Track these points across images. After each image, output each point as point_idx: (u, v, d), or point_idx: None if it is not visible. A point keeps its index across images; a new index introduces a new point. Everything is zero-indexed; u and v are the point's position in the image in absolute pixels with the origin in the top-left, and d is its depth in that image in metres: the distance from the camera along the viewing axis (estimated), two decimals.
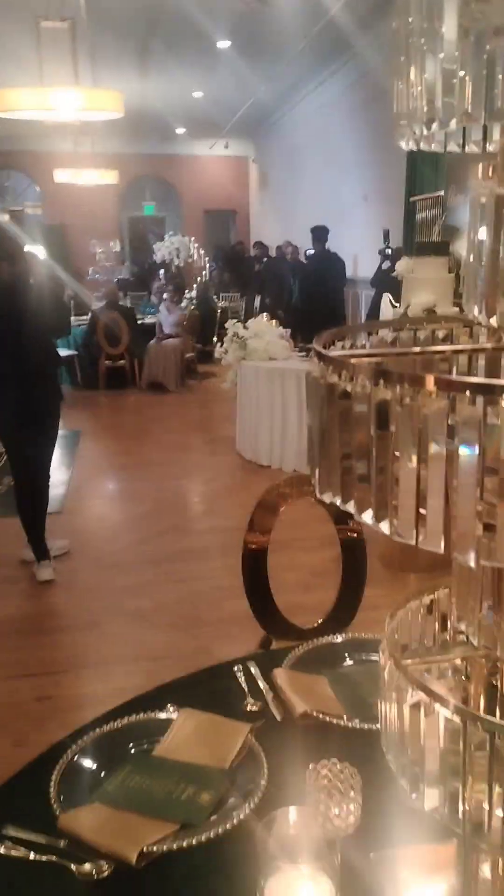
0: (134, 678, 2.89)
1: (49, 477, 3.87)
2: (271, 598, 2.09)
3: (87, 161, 12.02)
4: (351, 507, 0.71)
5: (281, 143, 13.67)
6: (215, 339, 9.60)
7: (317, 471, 0.78)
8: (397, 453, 0.64)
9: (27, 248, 3.89)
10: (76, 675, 2.92)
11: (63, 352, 9.01)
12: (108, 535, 4.42)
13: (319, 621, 2.05)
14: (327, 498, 0.75)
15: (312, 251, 8.18)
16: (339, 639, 1.51)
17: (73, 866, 0.98)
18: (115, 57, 9.13)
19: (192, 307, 9.63)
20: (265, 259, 10.50)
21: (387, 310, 4.95)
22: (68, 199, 14.81)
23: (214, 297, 11.63)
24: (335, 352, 0.79)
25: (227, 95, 11.43)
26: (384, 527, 0.67)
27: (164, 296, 9.30)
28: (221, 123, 13.62)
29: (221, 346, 6.15)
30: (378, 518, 0.67)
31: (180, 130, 14.63)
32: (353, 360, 0.72)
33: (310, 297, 7.88)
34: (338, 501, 0.73)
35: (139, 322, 9.16)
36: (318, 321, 7.66)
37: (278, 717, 1.28)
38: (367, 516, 0.69)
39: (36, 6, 5.90)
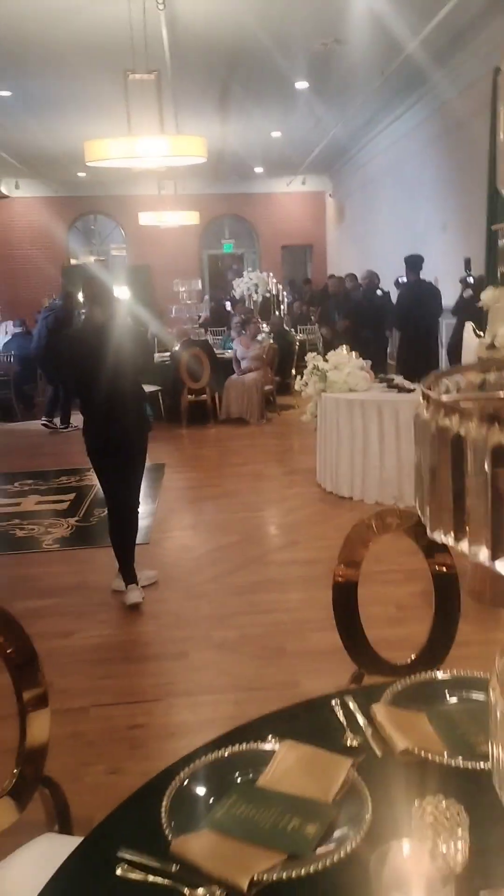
0: (223, 708, 2.93)
1: (139, 503, 4.06)
2: (362, 632, 2.10)
3: (170, 203, 12.46)
4: (464, 546, 0.74)
5: (357, 177, 13.80)
6: (293, 371, 9.69)
7: (427, 509, 0.80)
8: None
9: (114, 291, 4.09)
10: (167, 704, 2.97)
11: (147, 388, 9.29)
12: (192, 566, 4.50)
13: (413, 657, 2.04)
14: (438, 537, 0.78)
15: (405, 280, 8.17)
16: (438, 675, 1.50)
17: (186, 891, 1.02)
18: (197, 103, 9.49)
19: (271, 340, 9.76)
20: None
21: (471, 339, 4.90)
22: (151, 241, 15.36)
23: (292, 329, 11.75)
24: (446, 396, 0.82)
25: (304, 134, 11.67)
26: (500, 566, 0.69)
27: (239, 331, 9.48)
28: (298, 161, 13.89)
29: (301, 378, 6.21)
30: (494, 556, 0.69)
31: (258, 169, 14.98)
32: (463, 405, 0.74)
33: (407, 326, 7.86)
34: (450, 540, 0.75)
35: (219, 357, 9.34)
36: (416, 351, 7.65)
37: (378, 753, 1.29)
38: (483, 555, 0.71)
39: (124, 61, 6.20)
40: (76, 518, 5.58)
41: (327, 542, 4.71)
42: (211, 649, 3.44)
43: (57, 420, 9.14)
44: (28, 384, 10.91)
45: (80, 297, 12.50)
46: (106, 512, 4.17)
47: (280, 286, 12.67)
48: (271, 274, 12.85)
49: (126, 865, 1.08)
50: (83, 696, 3.05)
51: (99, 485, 4.14)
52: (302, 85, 8.97)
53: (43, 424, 9.13)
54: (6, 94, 8.69)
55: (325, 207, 16.78)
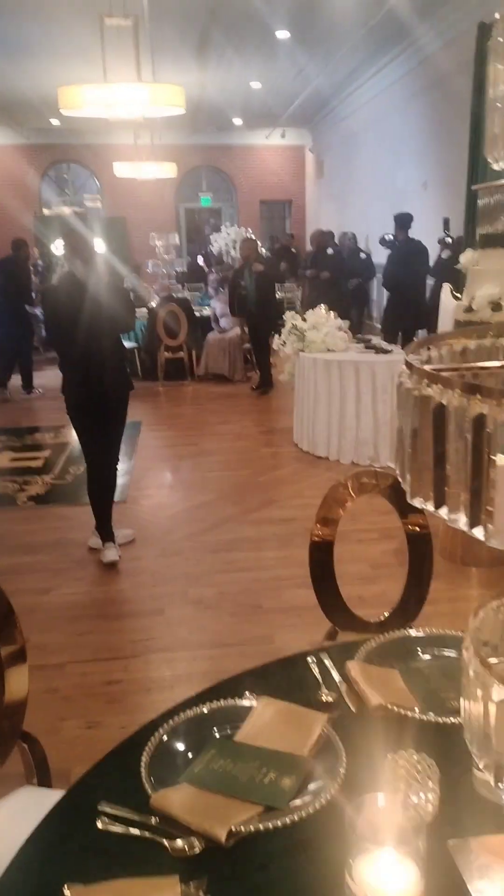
0: (199, 664, 2.98)
1: (118, 462, 4.06)
2: (337, 591, 2.14)
3: (146, 154, 12.14)
4: (444, 513, 0.75)
5: (337, 132, 13.56)
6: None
7: (407, 476, 0.81)
8: (496, 459, 0.67)
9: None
10: (144, 660, 3.02)
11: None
12: (169, 525, 4.52)
13: (386, 614, 2.08)
14: (418, 503, 0.79)
15: (392, 238, 8.10)
16: (411, 633, 1.54)
17: (166, 842, 1.05)
18: (175, 50, 9.20)
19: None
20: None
21: (448, 302, 4.90)
22: (127, 192, 15.03)
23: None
24: (429, 365, 0.83)
25: (284, 85, 11.40)
26: (478, 532, 0.71)
27: (217, 288, 9.38)
28: (278, 113, 13.59)
29: (279, 337, 6.18)
30: (472, 523, 0.71)
31: (237, 121, 14.65)
32: (444, 374, 0.75)
33: (396, 286, 7.81)
34: (430, 507, 0.77)
35: (196, 314, 9.25)
36: (405, 311, 7.62)
37: (353, 709, 1.33)
38: (461, 521, 0.72)
39: (100, 4, 5.98)
40: (51, 475, 5.56)
41: (303, 501, 4.76)
42: (187, 606, 3.49)
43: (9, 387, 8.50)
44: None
45: (56, 249, 12.25)
46: (84, 470, 4.16)
47: (259, 242, 12.48)
48: (250, 229, 12.66)
49: (106, 819, 1.10)
50: (60, 652, 3.08)
51: (78, 442, 4.10)
52: (283, 34, 8.73)
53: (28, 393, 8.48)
54: None
55: (305, 162, 16.51)
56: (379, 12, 7.50)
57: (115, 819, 1.10)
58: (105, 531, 3.97)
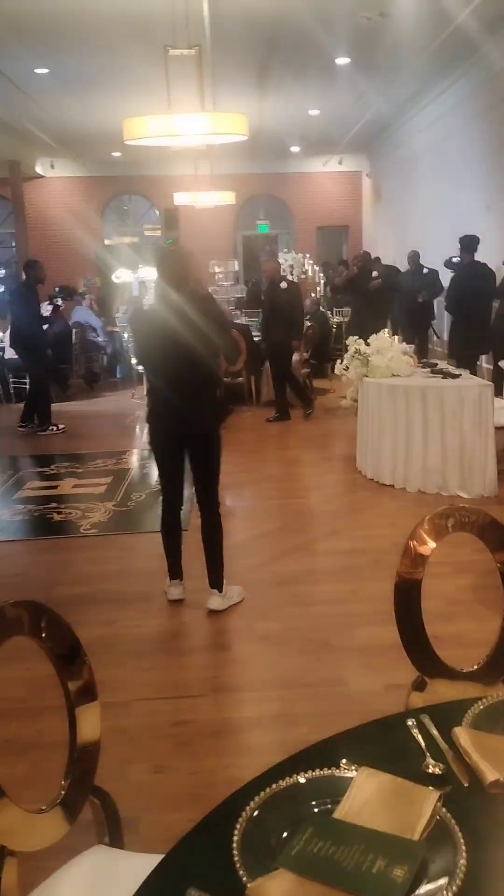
0: (269, 706, 2.85)
1: (217, 497, 3.73)
2: (425, 635, 1.99)
3: (205, 183, 12.26)
4: None
5: (396, 156, 13.47)
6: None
7: None
8: None
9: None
10: (212, 701, 2.89)
11: None
12: (232, 554, 4.37)
13: (480, 662, 1.92)
14: None
15: (459, 260, 7.93)
16: None
17: None
18: (234, 80, 9.29)
19: (308, 324, 9.59)
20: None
21: None
22: (186, 221, 15.20)
23: (328, 311, 11.57)
24: None
25: (343, 112, 11.39)
26: None
27: None
28: (336, 140, 13.60)
29: (341, 362, 6.06)
30: None
31: (294, 149, 14.72)
32: None
33: (460, 309, 7.63)
34: None
35: (256, 340, 9.21)
36: (471, 334, 7.43)
37: (465, 783, 1.18)
38: None
39: (164, 36, 6.05)
40: (114, 502, 5.52)
41: (370, 532, 4.60)
42: (255, 642, 3.36)
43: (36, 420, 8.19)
44: (64, 364, 10.88)
45: (118, 279, 12.41)
46: (143, 497, 4.03)
47: (317, 268, 12.45)
48: (308, 255, 12.62)
49: None
50: (125, 689, 2.98)
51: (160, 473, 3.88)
52: (343, 60, 8.71)
53: (20, 427, 8.14)
54: (43, 71, 8.58)
55: (362, 187, 16.46)
56: (445, 30, 7.40)
57: None
58: (214, 578, 3.69)
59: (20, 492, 5.90)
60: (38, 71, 8.60)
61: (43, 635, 1.56)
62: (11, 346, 8.57)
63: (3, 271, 8.52)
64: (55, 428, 8.04)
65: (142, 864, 1.55)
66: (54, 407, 8.42)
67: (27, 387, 8.87)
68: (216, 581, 3.67)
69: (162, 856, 1.55)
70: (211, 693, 2.95)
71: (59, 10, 6.72)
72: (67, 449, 7.21)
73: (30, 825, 1.45)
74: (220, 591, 3.67)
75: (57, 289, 10.98)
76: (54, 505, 5.52)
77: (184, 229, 15.58)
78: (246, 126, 5.80)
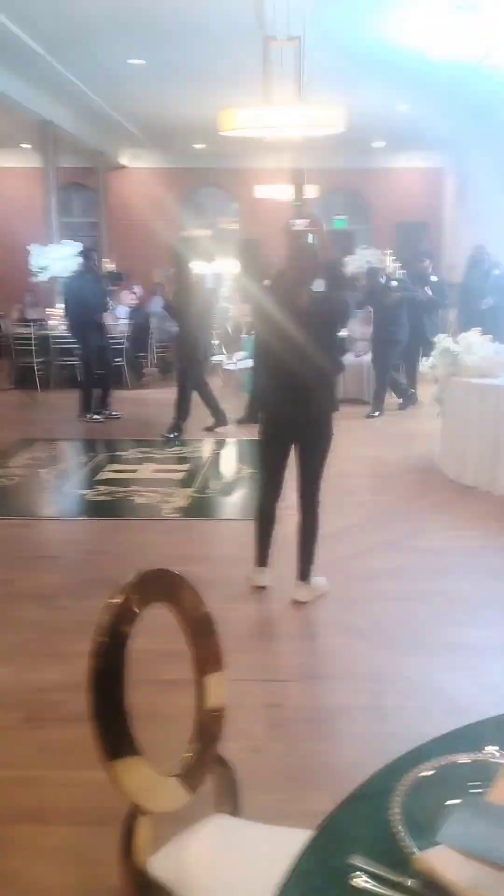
0: (358, 697, 2.85)
1: (318, 491, 3.67)
2: None
3: (285, 177, 12.27)
4: None
5: (483, 152, 13.19)
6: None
7: None
8: None
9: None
10: (302, 687, 2.91)
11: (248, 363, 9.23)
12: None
13: None
14: None
15: None
16: None
17: None
18: (325, 73, 9.24)
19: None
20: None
21: None
22: (264, 215, 15.24)
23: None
24: None
25: (432, 107, 11.22)
26: None
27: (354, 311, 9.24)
28: (421, 135, 13.41)
29: (427, 360, 5.99)
30: None
31: (378, 144, 14.58)
32: None
33: None
34: None
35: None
36: None
37: None
38: None
39: (266, 28, 6.08)
40: (193, 489, 5.60)
41: (456, 533, 4.55)
42: (341, 634, 3.36)
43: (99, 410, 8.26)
44: (140, 353, 11.06)
45: (194, 269, 12.52)
46: (220, 485, 4.01)
47: (398, 265, 12.28)
48: (389, 252, 12.48)
49: (363, 875, 1.00)
50: None
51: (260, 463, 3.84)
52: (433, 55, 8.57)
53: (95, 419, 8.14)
54: (140, 62, 8.72)
55: (444, 184, 16.19)
56: None
57: (371, 876, 0.99)
58: (303, 570, 3.69)
59: (101, 474, 6.04)
60: (133, 62, 8.74)
61: (178, 603, 1.59)
62: (69, 330, 8.73)
63: (83, 261, 8.77)
64: (97, 416, 8.10)
65: (262, 835, 1.59)
66: (129, 394, 8.57)
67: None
68: (305, 573, 3.67)
69: (279, 828, 1.58)
70: (301, 679, 2.97)
71: (161, 2, 6.81)
72: (145, 435, 7.33)
73: (160, 787, 1.49)
74: (308, 582, 3.67)
75: (108, 272, 10.98)
76: (135, 488, 5.62)
77: (262, 223, 15.62)
78: (343, 118, 5.81)
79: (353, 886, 0.99)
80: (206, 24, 7.32)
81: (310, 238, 3.35)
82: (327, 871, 1.03)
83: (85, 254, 8.41)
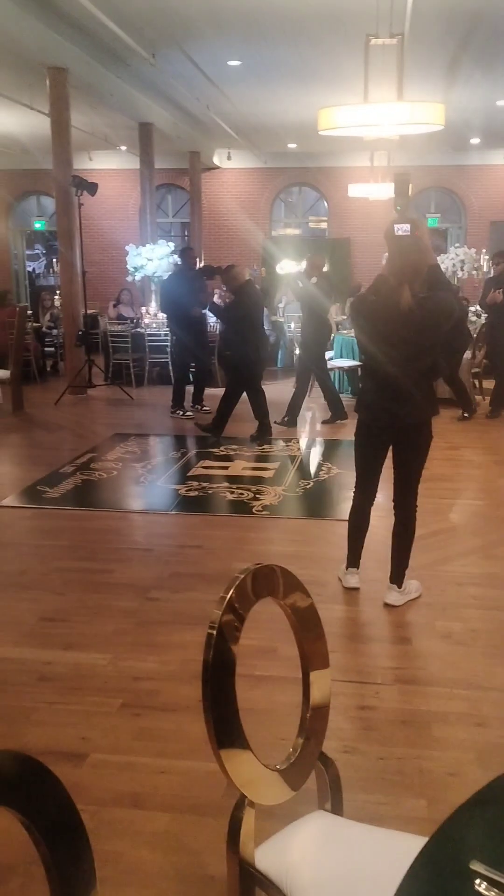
0: (455, 704, 2.80)
1: (415, 497, 3.62)
2: None
3: (380, 175, 12.14)
4: None
5: None
6: None
7: None
8: None
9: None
10: (396, 690, 2.88)
11: (347, 362, 9.17)
12: None
13: None
14: None
15: None
16: None
17: None
18: (424, 70, 9.09)
19: (482, 322, 9.26)
20: None
21: None
22: (354, 213, 15.14)
23: None
24: None
25: None
26: None
27: None
28: None
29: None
30: None
31: (475, 140, 14.23)
32: None
33: None
34: None
35: None
36: None
37: None
38: None
39: (365, 26, 6.03)
40: (283, 487, 5.62)
41: None
42: (435, 639, 3.31)
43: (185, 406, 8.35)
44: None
45: (281, 269, 12.54)
46: (310, 485, 3.97)
47: (494, 264, 11.96)
48: (484, 250, 12.17)
49: (483, 883, 0.99)
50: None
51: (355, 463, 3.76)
52: None
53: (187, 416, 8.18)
54: (236, 63, 8.80)
55: None
56: None
57: (493, 884, 0.98)
58: (396, 573, 3.65)
59: (194, 469, 6.14)
60: (230, 63, 8.83)
61: (286, 599, 1.61)
62: (167, 326, 8.93)
63: (180, 260, 8.95)
64: (181, 413, 8.22)
65: (366, 835, 1.58)
66: (219, 391, 8.65)
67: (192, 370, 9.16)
68: (398, 577, 3.63)
69: (378, 828, 1.58)
70: (395, 683, 2.94)
71: (259, 3, 6.85)
72: (237, 432, 7.40)
73: (266, 781, 1.52)
74: (400, 586, 3.64)
75: (204, 266, 11.05)
76: (226, 485, 5.69)
77: (352, 222, 15.51)
78: (443, 116, 5.68)
79: (478, 893, 0.98)
80: (304, 24, 7.32)
81: (411, 239, 3.26)
82: (446, 877, 1.02)
83: (183, 252, 8.60)
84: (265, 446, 6.90)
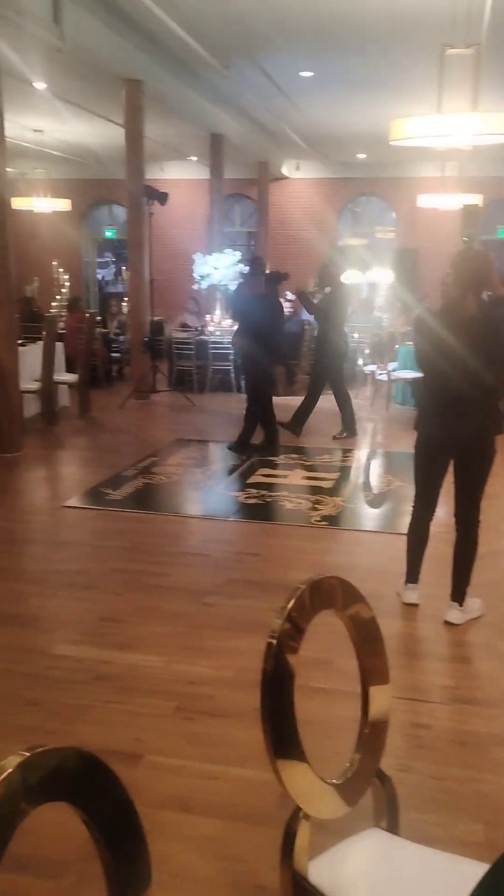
0: None
1: (478, 513, 3.53)
2: None
3: (451, 185, 11.99)
4: None
5: None
6: None
7: None
8: None
9: None
10: (453, 710, 2.83)
11: (411, 374, 9.06)
12: None
13: None
14: None
15: None
16: None
17: None
18: (500, 80, 8.95)
19: None
20: None
21: None
22: (423, 224, 14.97)
23: None
24: None
25: None
26: None
27: None
28: None
29: None
30: None
31: None
32: None
33: None
34: None
35: None
36: None
37: None
38: None
39: (441, 35, 5.98)
40: (342, 498, 5.58)
41: None
42: (496, 659, 3.23)
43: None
44: (293, 360, 11.17)
45: (346, 280, 12.51)
46: (371, 497, 3.91)
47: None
48: None
49: None
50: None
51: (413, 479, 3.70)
52: None
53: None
54: (308, 74, 8.84)
55: None
56: None
57: None
58: (457, 591, 3.59)
59: (253, 476, 6.16)
60: (302, 73, 8.87)
61: (347, 611, 1.60)
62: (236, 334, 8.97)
63: (249, 269, 9.04)
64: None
65: (421, 856, 1.55)
66: (280, 400, 8.64)
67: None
68: (459, 595, 3.56)
69: (436, 850, 1.54)
70: (452, 703, 2.88)
71: (332, 13, 6.87)
72: (296, 441, 7.40)
73: (322, 794, 1.50)
74: (461, 605, 3.56)
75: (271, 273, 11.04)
76: (285, 493, 5.69)
77: (420, 232, 15.35)
78: None
79: None
80: (377, 34, 7.30)
81: (476, 250, 3.23)
82: None
83: (252, 261, 8.65)
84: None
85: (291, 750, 1.42)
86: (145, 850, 1.13)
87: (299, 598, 1.47)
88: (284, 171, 15.61)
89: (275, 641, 1.42)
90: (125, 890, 1.10)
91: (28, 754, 0.97)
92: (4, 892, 2.00)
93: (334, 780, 1.53)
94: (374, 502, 5.55)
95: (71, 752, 1.04)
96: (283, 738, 1.42)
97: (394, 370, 8.72)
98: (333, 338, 7.55)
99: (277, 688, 1.41)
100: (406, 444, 7.11)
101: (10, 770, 0.93)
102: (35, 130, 11.86)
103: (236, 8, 6.83)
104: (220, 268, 10.58)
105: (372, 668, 1.63)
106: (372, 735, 1.62)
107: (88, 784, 1.06)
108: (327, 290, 7.70)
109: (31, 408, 8.07)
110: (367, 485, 6.01)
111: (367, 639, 1.63)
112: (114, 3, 6.92)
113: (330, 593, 1.56)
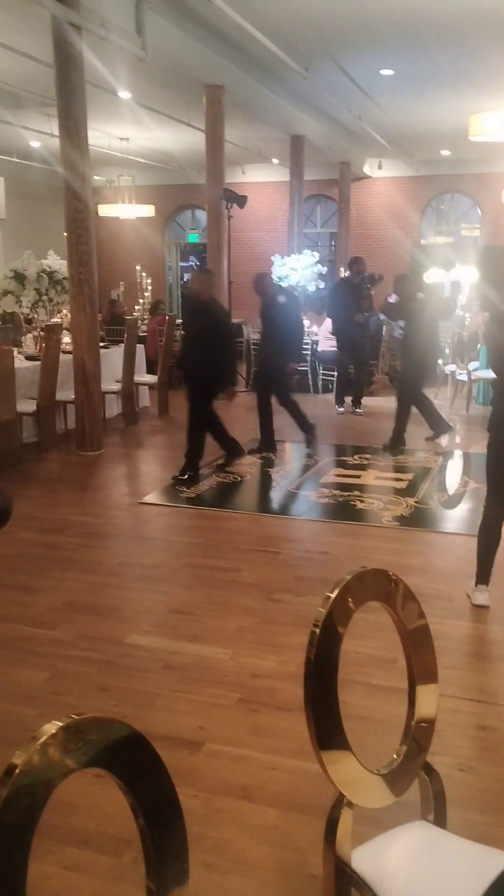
0: None
1: None
2: None
3: None
4: None
5: None
6: None
7: None
8: None
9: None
10: None
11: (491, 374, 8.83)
12: None
13: None
14: None
15: None
16: None
17: None
18: None
19: None
20: None
21: None
22: None
23: None
24: None
25: None
26: None
27: None
28: None
29: None
30: None
31: None
32: None
33: None
34: None
35: None
36: None
37: None
38: None
39: None
40: (415, 499, 5.52)
41: None
42: None
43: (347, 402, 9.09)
44: (372, 360, 11.09)
45: (429, 278, 12.33)
46: (445, 498, 3.85)
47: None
48: None
49: None
50: None
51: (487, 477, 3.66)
52: None
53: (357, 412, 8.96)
54: (389, 72, 8.76)
55: None
56: None
57: None
58: (483, 573, 3.63)
59: (325, 477, 6.17)
60: (383, 72, 8.80)
61: (394, 607, 1.61)
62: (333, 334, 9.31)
63: (325, 269, 9.05)
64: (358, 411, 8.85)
65: (465, 850, 1.55)
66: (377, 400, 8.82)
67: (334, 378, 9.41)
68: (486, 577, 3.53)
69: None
70: None
71: (411, 10, 6.79)
72: (370, 441, 7.35)
73: (367, 783, 1.52)
74: (487, 585, 3.55)
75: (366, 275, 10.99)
76: (357, 493, 5.67)
77: None
78: None
79: None
80: (459, 30, 7.17)
81: None
82: None
83: (353, 262, 8.94)
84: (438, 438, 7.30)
85: (334, 737, 1.45)
86: (182, 830, 1.18)
87: (343, 587, 1.49)
88: (366, 170, 15.49)
89: (318, 630, 1.45)
90: (162, 866, 1.15)
91: (75, 717, 1.04)
92: (68, 865, 2.11)
93: (380, 770, 1.55)
94: (449, 503, 5.46)
95: (115, 724, 1.11)
96: (326, 725, 1.44)
97: (475, 370, 8.53)
98: (420, 345, 7.32)
99: (321, 676, 1.44)
100: (485, 446, 6.98)
101: (53, 731, 1.00)
102: (121, 139, 12.22)
103: (315, 9, 6.85)
104: (297, 269, 10.61)
105: (419, 667, 1.63)
106: (419, 730, 1.63)
107: (129, 755, 1.12)
108: (420, 295, 7.40)
109: (113, 408, 8.33)
110: (442, 486, 5.92)
111: (414, 636, 1.63)
112: (193, 11, 7.06)
113: (376, 586, 1.58)
